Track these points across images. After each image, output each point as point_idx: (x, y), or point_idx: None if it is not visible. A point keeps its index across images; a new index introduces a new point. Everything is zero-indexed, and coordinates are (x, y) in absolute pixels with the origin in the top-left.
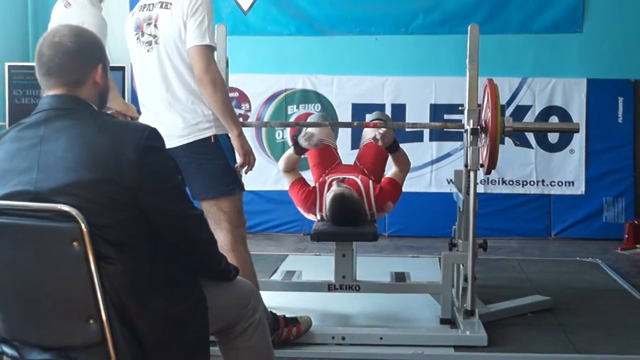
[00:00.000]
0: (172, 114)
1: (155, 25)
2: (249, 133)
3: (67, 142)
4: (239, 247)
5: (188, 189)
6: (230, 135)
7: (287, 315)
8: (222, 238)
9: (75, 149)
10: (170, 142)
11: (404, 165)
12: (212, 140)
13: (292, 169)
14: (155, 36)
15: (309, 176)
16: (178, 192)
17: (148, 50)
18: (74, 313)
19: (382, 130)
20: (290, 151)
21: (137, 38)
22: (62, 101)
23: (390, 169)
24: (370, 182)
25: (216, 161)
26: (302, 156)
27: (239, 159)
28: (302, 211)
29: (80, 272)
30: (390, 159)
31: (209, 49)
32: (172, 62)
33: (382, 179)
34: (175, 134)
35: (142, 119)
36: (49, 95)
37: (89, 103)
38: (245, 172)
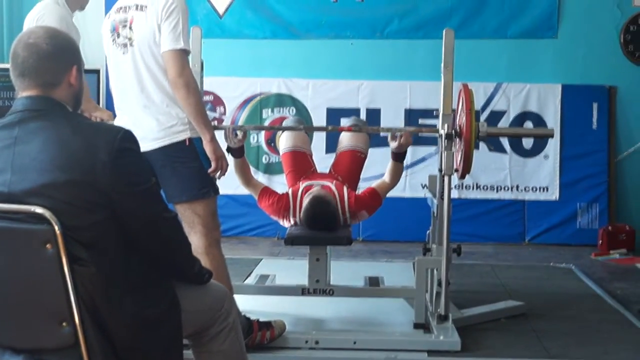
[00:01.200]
0: (147, 117)
1: (131, 28)
2: (223, 137)
3: (42, 144)
4: (213, 251)
5: (163, 192)
6: (202, 139)
7: (260, 320)
8: (196, 241)
9: (49, 150)
10: (145, 145)
11: (394, 178)
12: (187, 143)
13: (248, 179)
14: (130, 39)
15: (282, 180)
16: (152, 194)
17: (124, 53)
18: (46, 315)
19: (405, 136)
20: (231, 159)
21: (113, 40)
22: (36, 102)
23: (377, 180)
24: (345, 188)
25: (191, 164)
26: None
27: (212, 164)
28: (274, 218)
29: (53, 275)
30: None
31: (183, 53)
32: (147, 64)
33: (366, 189)
34: (150, 136)
35: (117, 122)
36: (23, 97)
37: (63, 104)
38: (218, 177)
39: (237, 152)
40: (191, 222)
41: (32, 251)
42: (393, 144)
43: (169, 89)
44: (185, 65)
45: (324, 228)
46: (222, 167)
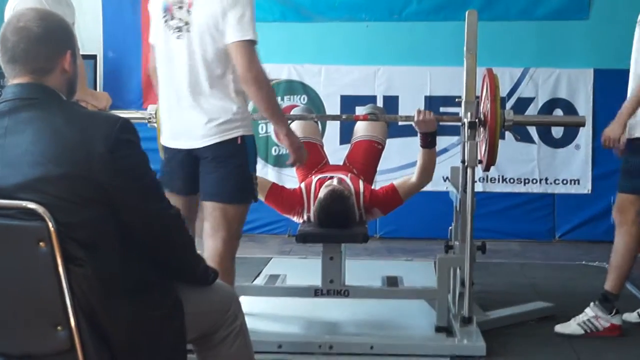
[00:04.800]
0: (196, 110)
1: (188, 11)
2: None
3: (34, 135)
4: (226, 263)
5: (200, 186)
6: (279, 134)
7: None
8: (213, 246)
9: (42, 141)
10: (191, 143)
11: (424, 173)
12: (239, 142)
13: None
14: (187, 23)
15: (293, 173)
16: (153, 189)
17: (177, 37)
18: (40, 319)
19: (427, 115)
20: None
21: (165, 21)
22: (28, 90)
23: (402, 176)
24: (361, 182)
25: (236, 165)
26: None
27: (290, 156)
28: (285, 215)
29: (47, 275)
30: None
31: (251, 45)
32: (204, 53)
33: (387, 184)
34: (198, 133)
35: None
36: (13, 84)
37: (56, 92)
38: (298, 167)
39: None
40: (216, 225)
41: (25, 250)
42: (416, 120)
43: (224, 82)
44: (254, 58)
45: (338, 225)
46: (302, 157)
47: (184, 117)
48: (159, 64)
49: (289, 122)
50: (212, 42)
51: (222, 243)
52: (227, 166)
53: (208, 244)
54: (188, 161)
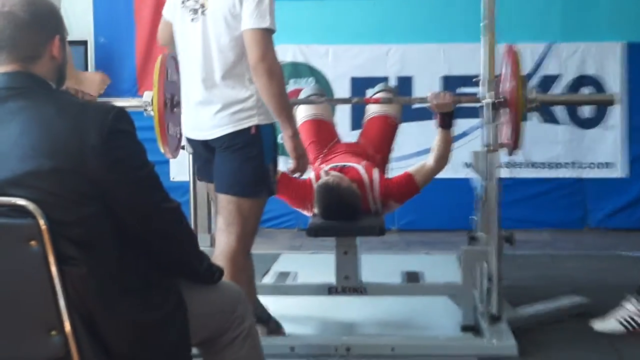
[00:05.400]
0: (208, 99)
1: None
2: None
3: (22, 126)
4: (239, 258)
5: (214, 178)
6: (283, 134)
7: None
8: (225, 242)
9: (31, 133)
10: (204, 134)
11: (440, 156)
12: (253, 132)
13: None
14: (203, 5)
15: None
16: (150, 181)
17: (192, 20)
18: (32, 323)
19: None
20: None
21: (182, 2)
22: (15, 79)
23: (418, 161)
24: (375, 171)
25: (250, 156)
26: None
27: (292, 162)
28: (295, 207)
29: (39, 276)
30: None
31: (268, 33)
32: (218, 38)
33: (402, 173)
34: (210, 123)
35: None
36: None
37: (46, 81)
38: (298, 177)
39: None
40: (230, 219)
41: (15, 249)
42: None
43: (238, 69)
44: (269, 48)
45: (343, 217)
46: (303, 168)
47: (195, 107)
48: (178, 47)
49: (295, 107)
50: (227, 28)
51: (235, 239)
52: (240, 157)
53: (221, 240)
54: (208, 151)
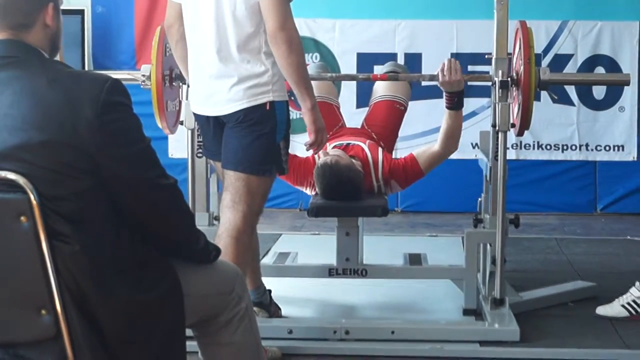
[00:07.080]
0: (222, 73)
1: None
2: None
3: (13, 97)
4: (244, 238)
5: (222, 153)
6: (301, 106)
7: None
8: (232, 220)
9: (22, 104)
10: (217, 109)
11: (448, 139)
12: (267, 108)
13: None
14: None
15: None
16: (146, 156)
17: None
18: (22, 302)
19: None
20: None
21: None
22: (5, 48)
23: (425, 144)
24: (380, 150)
25: (262, 133)
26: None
27: (309, 136)
28: (297, 187)
29: (29, 253)
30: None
31: (286, 2)
32: (233, 9)
33: (407, 155)
34: (224, 97)
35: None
36: None
37: (38, 50)
38: (315, 152)
39: None
40: (237, 196)
41: (4, 225)
42: (441, 80)
43: (254, 43)
44: (288, 17)
45: (342, 199)
46: (321, 141)
47: (209, 81)
48: (186, 18)
49: None
50: None
51: (242, 217)
52: (251, 133)
53: (226, 217)
54: (218, 127)
